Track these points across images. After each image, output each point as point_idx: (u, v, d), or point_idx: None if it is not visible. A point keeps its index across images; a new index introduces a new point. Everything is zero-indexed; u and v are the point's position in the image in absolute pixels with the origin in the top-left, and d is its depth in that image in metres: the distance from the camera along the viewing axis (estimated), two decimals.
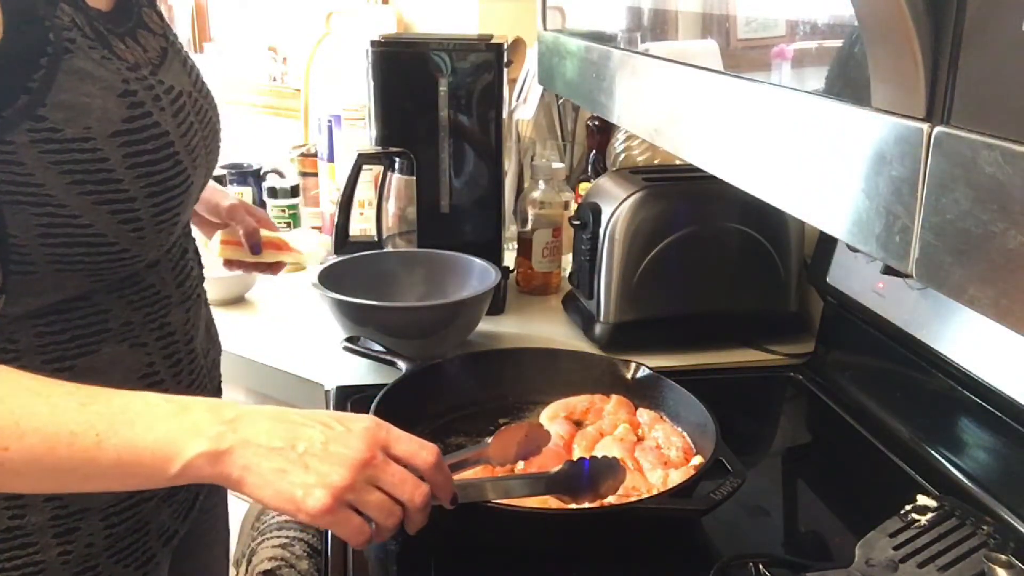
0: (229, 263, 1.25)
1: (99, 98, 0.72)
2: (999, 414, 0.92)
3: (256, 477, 0.66)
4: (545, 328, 1.42)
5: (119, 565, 0.85)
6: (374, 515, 0.69)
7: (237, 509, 1.39)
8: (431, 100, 1.40)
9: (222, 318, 1.45)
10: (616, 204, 1.29)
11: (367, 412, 0.97)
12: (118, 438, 0.64)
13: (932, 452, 1.02)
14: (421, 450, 0.72)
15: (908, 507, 0.81)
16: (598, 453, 0.95)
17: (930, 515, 0.80)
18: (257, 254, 1.22)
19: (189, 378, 0.89)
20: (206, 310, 0.98)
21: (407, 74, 1.40)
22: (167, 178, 0.79)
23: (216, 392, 1.00)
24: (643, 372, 1.11)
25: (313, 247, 1.20)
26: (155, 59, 0.82)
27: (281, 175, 2.05)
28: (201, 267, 0.97)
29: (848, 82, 0.54)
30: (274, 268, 1.27)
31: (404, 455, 0.71)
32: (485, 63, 1.40)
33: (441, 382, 1.11)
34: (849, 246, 0.57)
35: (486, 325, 1.36)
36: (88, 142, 0.72)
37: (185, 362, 0.89)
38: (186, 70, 0.88)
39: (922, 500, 0.81)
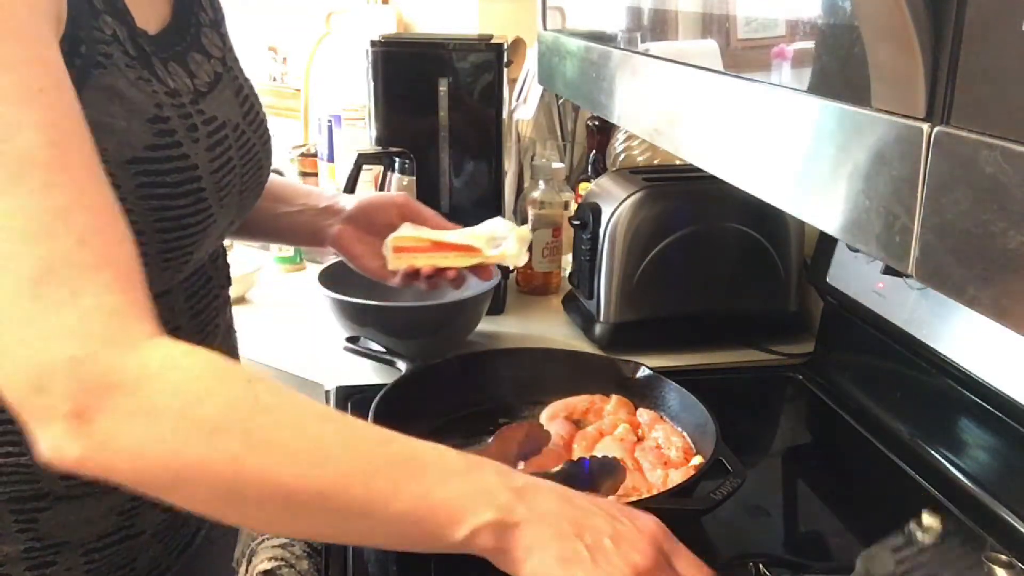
0: (407, 276, 1.01)
1: (123, 120, 0.67)
2: (999, 414, 0.92)
3: (538, 562, 0.60)
4: (545, 328, 1.42)
5: None
6: None
7: None
8: (431, 100, 1.40)
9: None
10: (616, 204, 1.29)
11: (367, 412, 0.97)
12: (414, 487, 0.58)
13: (932, 452, 1.02)
14: (699, 571, 0.66)
15: (912, 522, 0.80)
16: (598, 453, 0.95)
17: (933, 532, 0.78)
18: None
19: None
20: (229, 338, 0.92)
21: (407, 74, 1.40)
22: (184, 215, 0.73)
23: None
24: (643, 372, 1.11)
25: (512, 247, 0.98)
26: (202, 86, 0.77)
27: (281, 175, 2.05)
28: (227, 293, 0.91)
29: (848, 82, 0.54)
30: (461, 280, 1.03)
31: (683, 572, 0.65)
32: (485, 63, 1.40)
33: (441, 382, 1.11)
34: (849, 246, 0.57)
35: (486, 325, 1.36)
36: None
37: None
38: (238, 100, 0.83)
39: (926, 518, 0.80)
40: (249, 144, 0.83)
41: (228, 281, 0.92)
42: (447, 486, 0.59)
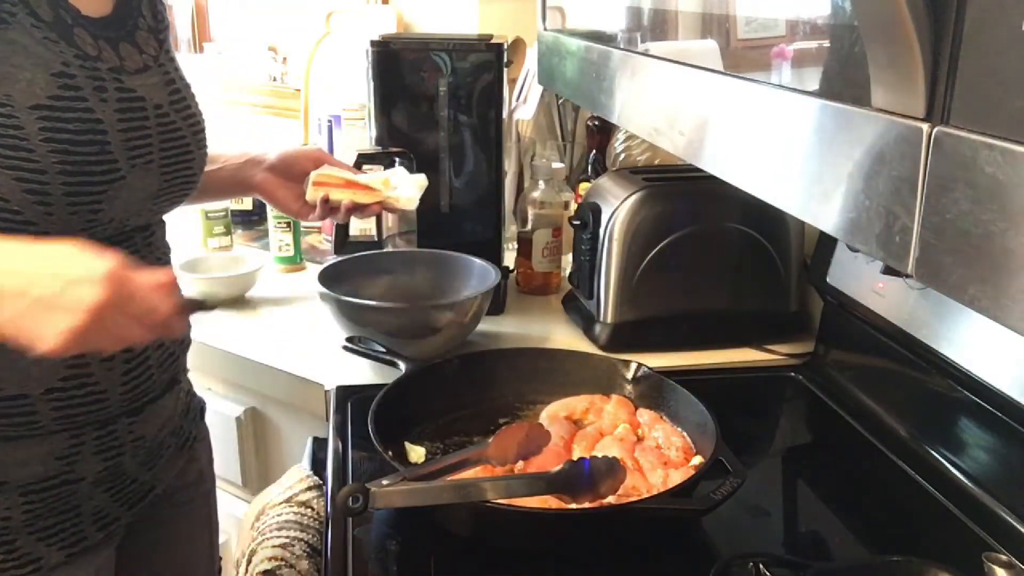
0: (326, 210, 1.20)
1: (28, 71, 0.76)
2: (999, 414, 0.92)
3: None
4: (545, 328, 1.42)
5: (41, 543, 0.86)
6: (108, 342, 0.72)
7: (237, 509, 1.39)
8: (431, 100, 1.40)
9: (222, 318, 1.45)
10: (616, 204, 1.29)
11: (367, 412, 0.97)
12: None
13: (932, 452, 1.02)
14: (159, 296, 0.74)
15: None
16: (598, 453, 0.95)
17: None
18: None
19: (125, 366, 0.89)
20: None
21: (407, 74, 1.40)
22: (88, 162, 0.80)
23: (170, 384, 0.98)
24: (643, 372, 1.11)
25: (406, 192, 1.21)
26: (129, 67, 0.86)
27: None
28: (164, 263, 0.97)
29: (848, 82, 0.54)
30: (371, 208, 1.23)
31: (143, 301, 0.73)
32: (485, 63, 1.40)
33: (441, 382, 1.11)
34: (849, 246, 0.57)
35: (486, 325, 1.36)
36: (4, 107, 0.75)
37: (119, 351, 0.87)
38: (166, 89, 0.91)
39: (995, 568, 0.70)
40: (173, 127, 0.90)
41: (166, 256, 0.98)
42: None
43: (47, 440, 0.84)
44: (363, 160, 1.42)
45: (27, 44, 0.77)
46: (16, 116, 0.76)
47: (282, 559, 0.94)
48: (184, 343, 1.02)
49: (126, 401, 0.90)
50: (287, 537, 0.97)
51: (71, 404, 0.85)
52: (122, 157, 0.84)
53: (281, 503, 1.03)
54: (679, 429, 1.04)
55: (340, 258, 1.39)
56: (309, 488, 1.05)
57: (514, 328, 1.42)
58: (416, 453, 1.01)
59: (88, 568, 0.91)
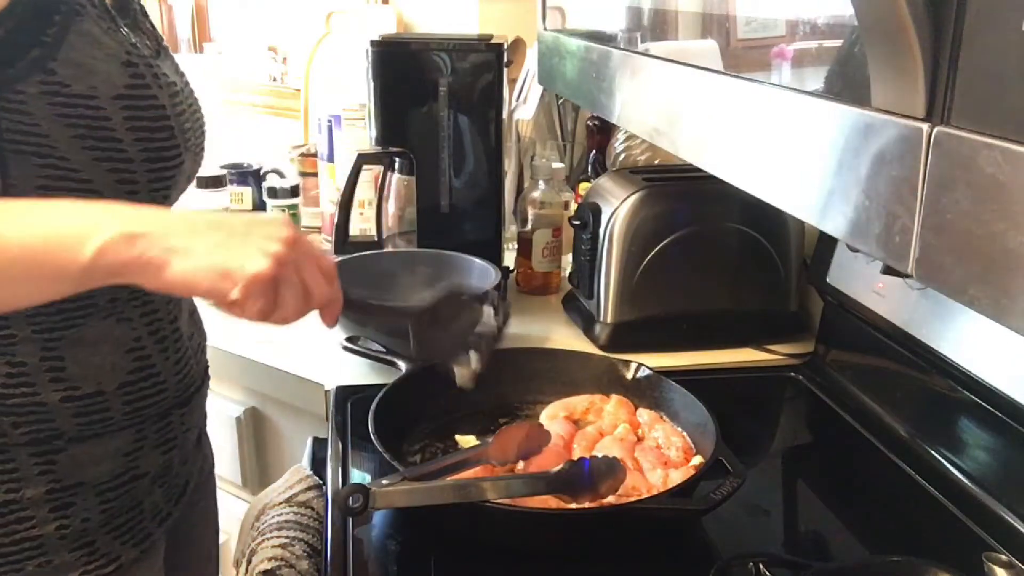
0: None
1: (104, 62, 0.77)
2: (999, 414, 0.92)
3: (185, 255, 0.65)
4: (545, 328, 1.42)
5: (116, 542, 0.87)
6: (291, 297, 0.70)
7: (237, 509, 1.39)
8: (431, 100, 1.40)
9: (222, 318, 1.45)
10: (616, 204, 1.29)
11: (367, 412, 0.97)
12: (20, 227, 0.65)
13: (932, 452, 1.02)
14: (324, 256, 0.74)
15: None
16: (598, 453, 0.95)
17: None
18: None
19: (176, 355, 0.91)
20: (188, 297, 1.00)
21: (407, 74, 1.40)
22: (163, 148, 0.83)
23: (204, 376, 1.01)
24: (643, 372, 1.11)
25: None
26: (150, 54, 0.88)
27: (281, 175, 2.05)
28: None
29: (848, 82, 0.54)
30: None
31: (315, 267, 0.73)
32: (485, 63, 1.40)
33: (441, 382, 1.10)
34: (849, 246, 0.57)
35: None
36: (92, 100, 0.76)
37: (171, 340, 0.90)
38: (177, 72, 0.93)
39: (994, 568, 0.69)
40: (193, 107, 0.92)
41: None
42: (62, 218, 0.66)
43: (117, 436, 0.85)
44: (363, 160, 1.42)
45: (97, 35, 0.78)
46: (103, 108, 0.77)
47: (282, 559, 0.94)
48: (204, 334, 1.03)
49: (179, 391, 0.92)
50: (287, 537, 0.97)
51: (139, 397, 0.86)
52: (182, 141, 0.86)
53: (281, 503, 1.03)
54: (679, 429, 1.04)
55: (340, 258, 1.39)
56: (309, 488, 1.05)
57: (514, 328, 1.42)
58: (465, 442, 1.03)
59: (156, 563, 0.93)
